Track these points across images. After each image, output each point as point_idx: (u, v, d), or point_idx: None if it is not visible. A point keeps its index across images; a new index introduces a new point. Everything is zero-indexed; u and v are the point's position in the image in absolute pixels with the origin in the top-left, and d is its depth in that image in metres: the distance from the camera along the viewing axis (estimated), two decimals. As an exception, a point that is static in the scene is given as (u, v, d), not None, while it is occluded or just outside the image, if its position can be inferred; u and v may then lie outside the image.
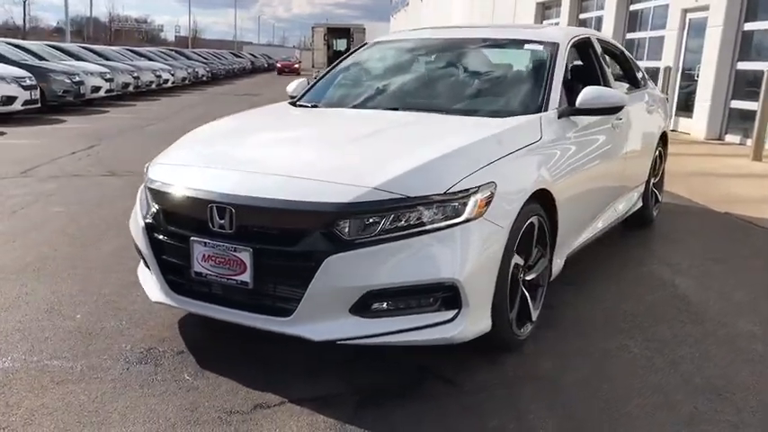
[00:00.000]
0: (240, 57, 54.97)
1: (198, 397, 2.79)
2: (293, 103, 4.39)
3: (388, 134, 3.38)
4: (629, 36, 16.76)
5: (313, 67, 35.61)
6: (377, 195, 2.72)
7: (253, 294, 2.86)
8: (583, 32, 4.62)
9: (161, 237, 3.09)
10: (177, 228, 3.03)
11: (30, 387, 2.84)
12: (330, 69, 4.70)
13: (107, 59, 22.52)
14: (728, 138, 12.37)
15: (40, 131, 12.09)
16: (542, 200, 3.32)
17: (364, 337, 2.78)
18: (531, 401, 2.82)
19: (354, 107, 4.14)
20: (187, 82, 29.08)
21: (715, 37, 12.42)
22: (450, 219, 2.78)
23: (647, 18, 16.10)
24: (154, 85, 24.07)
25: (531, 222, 3.22)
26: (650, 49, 15.70)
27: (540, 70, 3.99)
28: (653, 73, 14.67)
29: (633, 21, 16.75)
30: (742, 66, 12.13)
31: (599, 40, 4.86)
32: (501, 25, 5.51)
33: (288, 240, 2.75)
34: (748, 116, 11.29)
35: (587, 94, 3.75)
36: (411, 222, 2.74)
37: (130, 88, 21.61)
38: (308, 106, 4.27)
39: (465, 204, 2.81)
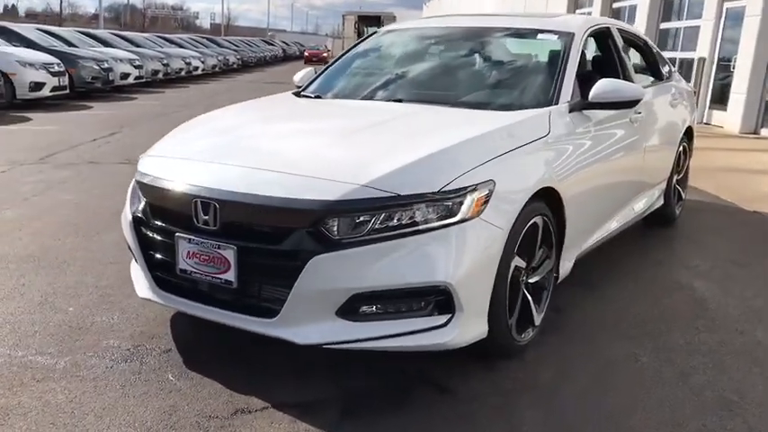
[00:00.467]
0: (272, 44, 55.07)
1: (178, 399, 2.69)
2: (297, 94, 4.25)
3: (384, 128, 3.23)
4: (664, 26, 16.29)
5: (343, 55, 35.42)
6: (366, 193, 2.58)
7: (237, 294, 2.75)
8: (602, 22, 4.40)
9: (148, 232, 3.00)
10: (163, 223, 2.93)
11: (9, 384, 2.77)
12: (338, 59, 4.56)
13: (137, 46, 22.64)
14: (764, 132, 11.96)
15: (66, 117, 12.16)
16: (548, 199, 3.16)
17: (351, 341, 2.65)
18: (527, 413, 2.67)
19: (357, 98, 3.99)
20: (217, 69, 29.18)
21: (753, 27, 11.98)
22: (445, 219, 2.63)
23: (683, 7, 15.63)
24: (183, 73, 24.18)
25: (535, 223, 3.05)
26: (685, 40, 15.24)
27: (553, 61, 3.80)
28: (687, 64, 14.24)
29: (668, 10, 16.28)
30: (780, 57, 11.70)
31: (620, 30, 4.64)
32: (515, 14, 5.29)
33: (272, 239, 2.63)
34: (785, 110, 10.89)
35: (601, 88, 3.56)
36: (402, 222, 2.60)
37: (160, 75, 21.74)
38: (311, 97, 4.14)
39: (460, 204, 2.66)
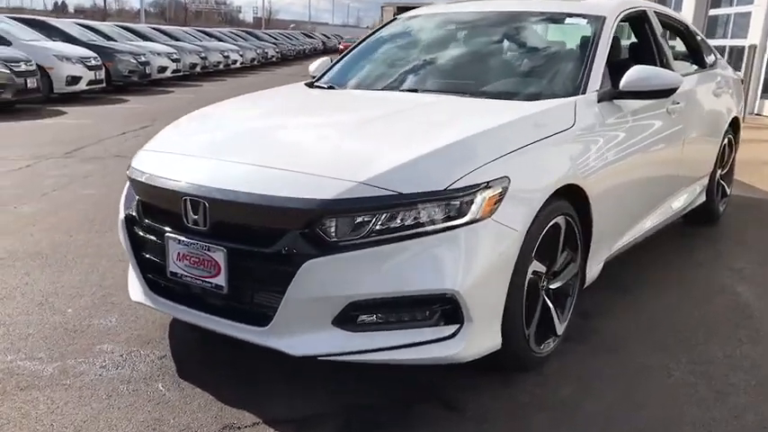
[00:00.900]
0: (312, 37, 55.11)
1: (165, 412, 2.50)
2: (311, 84, 4.04)
3: (392, 121, 2.99)
4: (713, 12, 15.63)
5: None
6: (364, 191, 2.35)
7: (228, 299, 2.55)
8: (637, 5, 4.08)
9: (140, 232, 2.82)
10: (154, 222, 2.75)
11: (-9, 392, 2.62)
12: (354, 47, 4.33)
13: (176, 40, 22.77)
14: (818, 123, 11.36)
15: (100, 111, 12.19)
16: (573, 197, 2.89)
17: (349, 353, 2.43)
18: (543, 435, 2.42)
19: (372, 88, 3.76)
20: (256, 62, 29.22)
21: (807, 13, 11.36)
22: (452, 220, 2.39)
23: (733, -7, 14.97)
24: (221, 66, 24.24)
25: (556, 223, 2.79)
26: (735, 27, 14.59)
27: (581, 47, 3.51)
28: (738, 52, 13.62)
29: (717, -4, 15.62)
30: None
31: (658, 13, 4.30)
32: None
33: (264, 241, 2.42)
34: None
35: (633, 75, 3.26)
36: (405, 223, 2.36)
37: (198, 69, 21.81)
38: (323, 87, 3.91)
39: (470, 203, 2.41)
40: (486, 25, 3.97)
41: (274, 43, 35.50)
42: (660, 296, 3.74)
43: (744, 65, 12.31)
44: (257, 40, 33.29)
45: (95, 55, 14.58)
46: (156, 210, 2.76)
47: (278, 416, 2.48)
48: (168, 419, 2.46)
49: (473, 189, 2.41)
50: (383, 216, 2.35)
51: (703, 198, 4.84)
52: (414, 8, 4.64)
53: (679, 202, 4.39)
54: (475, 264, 2.40)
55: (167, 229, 2.65)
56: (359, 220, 2.36)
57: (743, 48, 13.14)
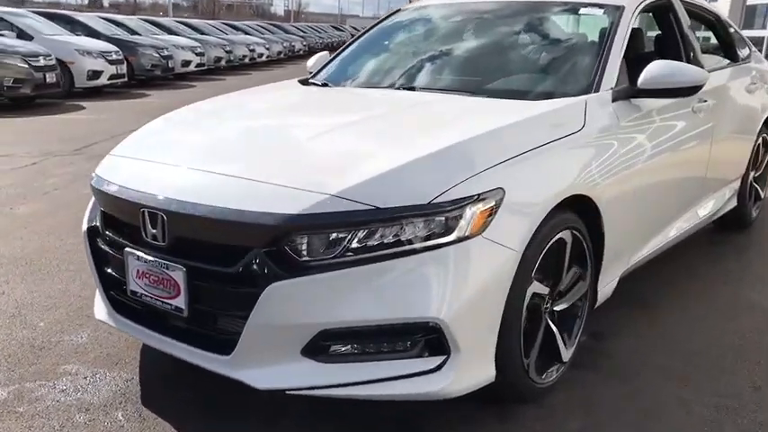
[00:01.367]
0: (341, 30, 54.79)
1: (120, 447, 2.27)
2: (305, 81, 3.76)
3: (378, 123, 2.71)
4: (751, 2, 15.05)
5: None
6: (337, 205, 2.08)
7: (189, 323, 2.30)
8: (662, -7, 3.73)
9: (102, 245, 2.58)
10: (116, 236, 2.51)
11: (-63, 420, 2.41)
12: (354, 41, 4.05)
13: (202, 33, 22.66)
14: None
15: (119, 106, 12.08)
16: (581, 207, 2.58)
17: (320, 387, 2.16)
18: (539, 483, 2.13)
19: (366, 86, 3.48)
20: (282, 56, 29.05)
21: None
22: (437, 238, 2.11)
23: (771, -18, 14.38)
24: (247, 60, 24.09)
25: (561, 239, 2.49)
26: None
27: (595, 41, 3.19)
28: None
29: (755, -15, 15.02)
30: None
31: (684, 2, 3.94)
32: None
33: (226, 259, 2.16)
34: None
35: (653, 72, 2.93)
36: (384, 242, 2.08)
37: (222, 62, 21.68)
38: (317, 85, 3.64)
39: (458, 218, 2.12)
40: (492, 17, 3.65)
41: (302, 36, 35.31)
42: (683, 312, 3.41)
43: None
44: (285, 33, 33.12)
45: (117, 49, 14.48)
46: (117, 222, 2.52)
47: (242, 455, 2.23)
48: (121, 457, 2.22)
49: (461, 203, 2.12)
50: (358, 234, 2.08)
51: (734, 203, 4.47)
52: None
53: (707, 208, 4.04)
54: (463, 288, 2.11)
55: (127, 243, 2.41)
56: (330, 238, 2.09)
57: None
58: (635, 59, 3.22)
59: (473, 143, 2.35)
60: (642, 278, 3.50)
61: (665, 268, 3.85)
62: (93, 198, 2.78)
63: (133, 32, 17.79)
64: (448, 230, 2.11)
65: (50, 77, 11.68)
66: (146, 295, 2.36)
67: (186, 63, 18.38)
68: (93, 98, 12.98)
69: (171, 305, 2.28)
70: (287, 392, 2.17)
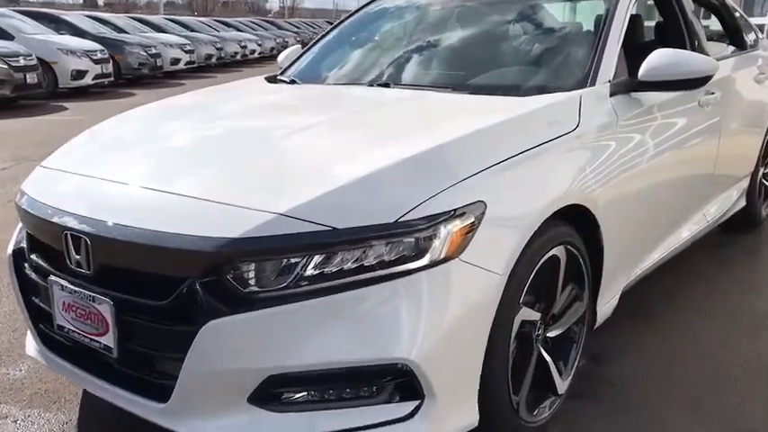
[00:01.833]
0: (336, 25, 54.36)
1: None
2: (273, 78, 3.42)
3: (342, 126, 2.38)
4: (749, -11, 14.70)
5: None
6: (285, 227, 1.75)
7: (120, 364, 1.98)
8: (662, -24, 3.40)
9: (28, 271, 2.25)
10: (40, 261, 2.18)
11: None
12: (327, 32, 3.71)
13: (192, 31, 22.30)
14: None
15: (104, 107, 11.72)
16: (576, 218, 2.26)
17: (271, 439, 1.83)
18: None
19: (338, 82, 3.16)
20: (275, 52, 28.57)
21: None
22: (406, 262, 1.78)
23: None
24: (239, 56, 23.73)
25: (553, 256, 2.16)
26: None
27: (590, 29, 2.86)
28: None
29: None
30: None
31: (687, -14, 3.61)
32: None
33: (158, 291, 1.84)
34: None
35: (655, 62, 2.60)
36: (343, 269, 1.76)
37: (213, 60, 21.32)
38: (285, 82, 3.30)
39: (430, 239, 1.80)
40: (477, 5, 3.33)
41: (295, 32, 34.91)
42: (690, 327, 3.09)
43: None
44: (278, 30, 32.73)
45: (102, 48, 14.12)
46: (42, 245, 2.19)
47: None
48: None
49: (435, 220, 1.80)
50: (312, 260, 1.75)
51: (743, 202, 4.14)
52: None
53: (715, 210, 3.71)
54: (437, 321, 1.79)
55: (52, 270, 2.09)
56: (279, 265, 1.76)
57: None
58: (635, 49, 2.89)
59: (449, 149, 2.02)
60: (644, 287, 3.17)
61: (669, 275, 3.52)
62: (24, 217, 2.45)
63: (121, 31, 17.43)
64: (419, 253, 1.79)
65: (31, 78, 11.32)
66: (73, 331, 2.04)
67: (175, 61, 18.02)
68: (78, 98, 12.64)
69: (99, 343, 1.96)
70: (233, 446, 1.85)
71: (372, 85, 2.93)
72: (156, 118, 2.80)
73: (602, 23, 2.80)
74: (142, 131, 2.62)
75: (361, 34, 3.62)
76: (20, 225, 2.45)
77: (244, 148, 2.19)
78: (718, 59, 3.33)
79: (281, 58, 3.76)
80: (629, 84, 2.67)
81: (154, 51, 16.50)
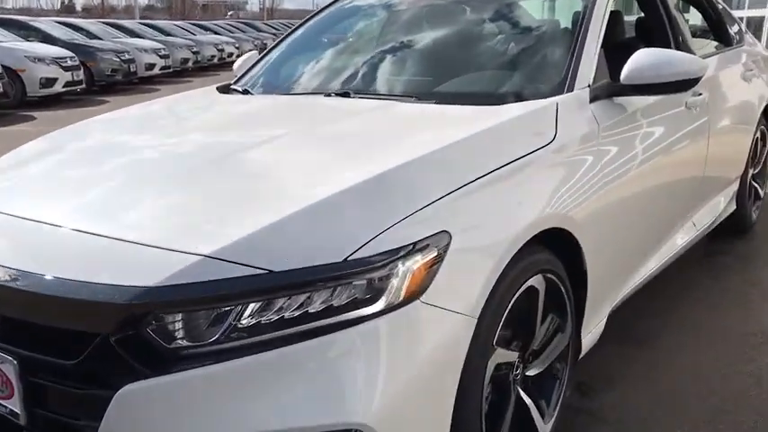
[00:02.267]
0: (315, 26, 54.01)
1: None
2: (226, 87, 3.14)
3: (287, 146, 2.10)
4: (729, -18, 14.57)
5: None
6: (212, 271, 1.49)
7: None
8: (643, -31, 3.17)
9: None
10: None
11: None
12: (286, 36, 3.43)
13: (167, 35, 21.93)
14: None
15: (70, 116, 11.35)
16: (555, 241, 2.02)
17: None
18: None
19: (294, 92, 2.89)
20: (253, 54, 28.33)
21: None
22: (359, 308, 1.53)
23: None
24: (216, 60, 23.38)
25: (531, 287, 1.92)
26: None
27: (567, 28, 2.62)
28: (756, 24, 12.57)
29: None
30: None
31: (669, -22, 3.37)
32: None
33: (67, 349, 1.57)
34: None
35: (639, 63, 2.36)
36: (284, 317, 1.50)
37: (190, 64, 20.97)
38: (238, 92, 3.03)
39: (387, 279, 1.54)
40: (445, 5, 3.07)
41: (274, 34, 34.54)
42: (681, 351, 2.85)
43: (765, 39, 11.29)
44: (256, 32, 32.39)
45: (72, 55, 13.73)
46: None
47: None
48: None
49: (390, 257, 1.55)
50: (246, 310, 1.49)
51: (733, 206, 3.92)
52: None
53: (705, 217, 3.49)
54: (397, 376, 1.54)
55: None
56: (208, 316, 1.50)
57: (762, 18, 12.10)
58: (615, 48, 2.66)
59: (407, 171, 1.77)
60: (633, 305, 2.94)
61: (658, 289, 3.28)
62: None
63: (94, 37, 17.04)
64: (374, 296, 1.53)
65: (-5, 87, 10.98)
66: (-22, 391, 1.76)
67: (150, 66, 17.68)
68: (49, 107, 12.28)
69: (5, 407, 1.68)
70: None
71: (330, 95, 2.66)
72: (83, 139, 2.52)
73: (580, 22, 2.56)
74: (63, 157, 2.33)
75: (322, 38, 3.35)
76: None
77: (173, 176, 1.92)
78: (704, 57, 3.12)
79: (236, 65, 3.49)
80: (610, 88, 2.43)
81: (127, 57, 16.14)
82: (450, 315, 1.62)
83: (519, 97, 2.31)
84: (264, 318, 1.50)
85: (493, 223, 1.78)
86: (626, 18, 3.55)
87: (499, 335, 1.79)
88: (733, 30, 4.25)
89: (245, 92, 2.98)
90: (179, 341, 1.51)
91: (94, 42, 16.20)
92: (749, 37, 4.55)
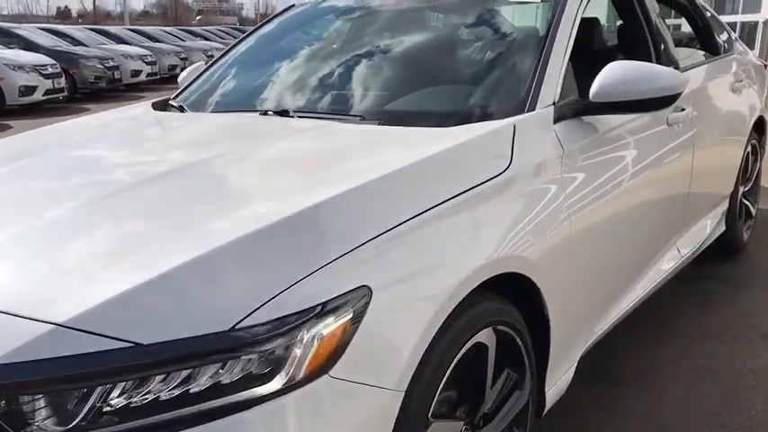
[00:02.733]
0: (309, 31, 53.81)
1: None
2: (164, 103, 2.85)
3: (194, 178, 1.81)
4: (722, -14, 14.33)
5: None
6: (67, 344, 1.21)
7: None
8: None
9: None
10: None
11: None
12: (234, 46, 3.15)
13: (156, 41, 21.68)
14: None
15: (47, 124, 11.07)
16: (509, 285, 1.73)
17: None
18: None
19: (229, 110, 2.61)
20: (244, 60, 28.09)
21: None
22: (250, 387, 1.25)
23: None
24: (205, 66, 23.13)
25: (478, 344, 1.63)
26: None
27: (528, 38, 2.34)
28: (750, 29, 12.32)
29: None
30: None
31: (651, -17, 3.10)
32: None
33: None
34: None
35: (610, 78, 2.08)
36: (159, 399, 1.22)
37: (177, 70, 20.66)
38: (174, 108, 2.73)
39: (286, 350, 1.26)
40: (400, 13, 2.79)
41: (266, 39, 34.36)
42: (663, 394, 2.57)
43: (757, 46, 11.03)
44: (248, 37, 32.15)
45: (53, 62, 13.45)
46: None
47: None
48: None
49: (290, 324, 1.26)
50: (113, 392, 1.21)
51: (723, 228, 3.64)
52: None
53: (691, 242, 3.20)
54: (298, 469, 1.25)
55: None
56: (63, 399, 1.22)
57: (756, 24, 11.84)
58: (593, 59, 2.38)
59: (325, 211, 1.48)
60: (609, 344, 2.65)
61: (640, 321, 3.00)
62: None
63: (79, 43, 16.77)
64: (269, 373, 1.25)
65: (-27, 96, 10.70)
66: None
67: (136, 73, 17.42)
68: (28, 116, 11.97)
69: None
70: None
71: (267, 113, 2.38)
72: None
73: (546, 31, 2.28)
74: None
75: (269, 49, 3.06)
76: None
77: (44, 217, 1.62)
78: (688, 68, 2.85)
79: (181, 77, 3.19)
80: (578, 106, 2.15)
81: (112, 64, 15.88)
82: (370, 390, 1.34)
83: (473, 117, 2.03)
84: (132, 401, 1.21)
85: (428, 273, 1.50)
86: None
87: (437, 405, 1.51)
88: (722, 38, 3.98)
89: (181, 108, 2.69)
90: (35, 426, 1.23)
91: (78, 49, 15.91)
92: (739, 45, 4.28)
